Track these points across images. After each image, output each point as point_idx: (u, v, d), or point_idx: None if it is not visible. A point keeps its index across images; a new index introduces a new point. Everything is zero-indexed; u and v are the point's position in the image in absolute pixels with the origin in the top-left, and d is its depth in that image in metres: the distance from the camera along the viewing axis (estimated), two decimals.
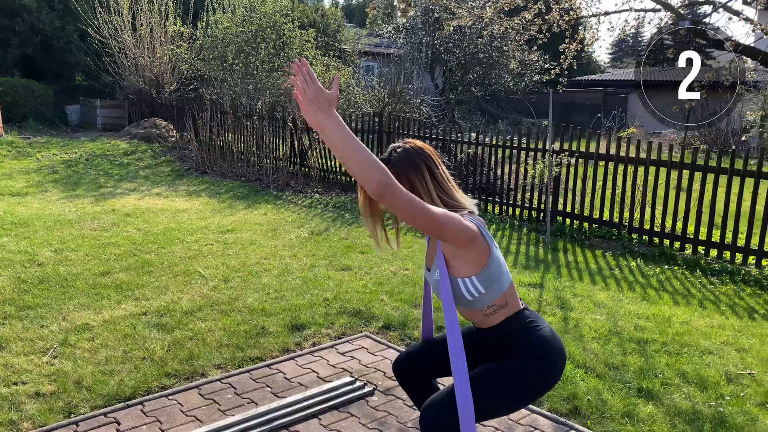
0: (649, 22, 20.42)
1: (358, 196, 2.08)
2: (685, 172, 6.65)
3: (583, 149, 7.43)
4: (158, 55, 15.56)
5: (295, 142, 10.66)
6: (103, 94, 18.23)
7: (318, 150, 10.22)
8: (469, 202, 2.06)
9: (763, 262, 6.07)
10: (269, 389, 3.23)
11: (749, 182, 6.27)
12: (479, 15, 7.13)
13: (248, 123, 11.05)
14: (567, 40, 7.84)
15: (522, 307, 2.11)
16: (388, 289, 5.01)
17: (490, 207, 8.33)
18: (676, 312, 4.78)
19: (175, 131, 14.41)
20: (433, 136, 8.92)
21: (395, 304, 4.67)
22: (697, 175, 6.56)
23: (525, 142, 7.86)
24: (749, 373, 3.70)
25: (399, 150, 2.05)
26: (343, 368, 3.51)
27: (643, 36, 58.79)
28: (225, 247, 6.21)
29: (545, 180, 7.23)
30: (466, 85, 19.47)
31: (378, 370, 3.51)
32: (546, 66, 19.94)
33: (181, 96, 15.82)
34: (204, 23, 14.59)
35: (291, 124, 10.35)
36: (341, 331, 4.14)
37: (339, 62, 13.11)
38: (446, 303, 1.96)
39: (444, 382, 3.13)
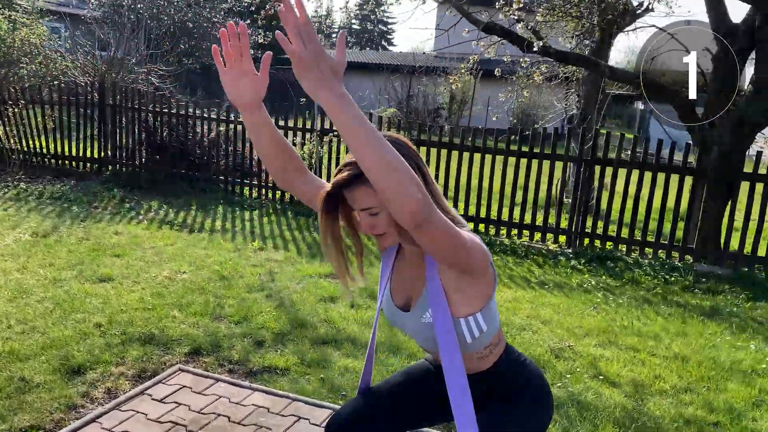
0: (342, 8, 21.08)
1: (319, 212, 1.41)
2: (455, 153, 6.87)
3: None
4: None
5: None
6: None
7: (15, 127, 8.17)
8: (455, 212, 1.56)
9: (512, 232, 6.65)
10: None
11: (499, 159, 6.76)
12: None
13: None
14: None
15: (505, 339, 1.69)
16: (174, 300, 4.10)
17: (246, 191, 7.62)
18: None
19: None
20: (173, 111, 7.78)
21: (192, 320, 3.82)
22: (466, 155, 6.83)
23: (292, 121, 7.32)
24: (568, 346, 3.88)
25: None
26: (172, 422, 2.65)
27: (333, 19, 62.00)
28: None
29: (314, 161, 6.85)
30: (176, 56, 17.85)
31: (219, 414, 2.74)
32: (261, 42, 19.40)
33: None
34: None
35: None
36: (139, 366, 3.19)
37: (31, 20, 10.66)
38: (450, 354, 1.44)
39: None
